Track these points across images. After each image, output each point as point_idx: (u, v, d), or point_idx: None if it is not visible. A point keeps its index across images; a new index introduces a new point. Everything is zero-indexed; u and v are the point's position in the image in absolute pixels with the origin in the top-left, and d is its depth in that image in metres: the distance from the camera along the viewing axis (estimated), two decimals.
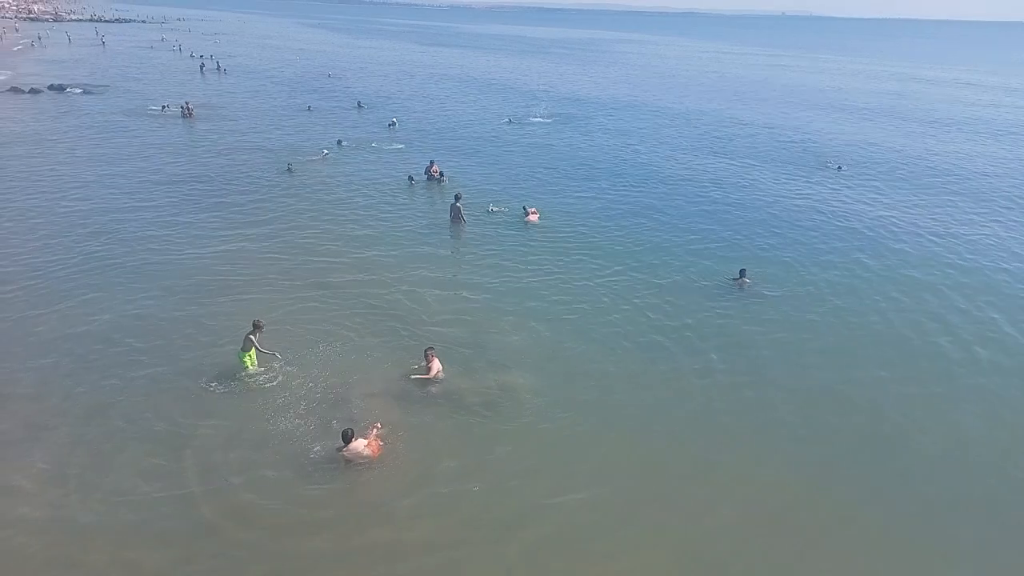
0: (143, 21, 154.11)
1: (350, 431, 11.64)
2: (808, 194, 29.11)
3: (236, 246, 20.98)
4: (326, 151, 33.20)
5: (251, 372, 14.07)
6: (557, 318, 16.96)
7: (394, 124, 41.60)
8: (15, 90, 49.46)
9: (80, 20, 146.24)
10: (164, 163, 30.94)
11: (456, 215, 23.74)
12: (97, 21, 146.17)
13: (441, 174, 29.44)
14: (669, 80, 76.38)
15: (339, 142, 35.62)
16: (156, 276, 18.70)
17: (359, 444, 11.68)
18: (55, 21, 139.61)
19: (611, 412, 13.34)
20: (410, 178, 29.04)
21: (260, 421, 12.71)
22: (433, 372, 14.07)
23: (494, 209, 24.93)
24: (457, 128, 42.57)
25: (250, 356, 14.14)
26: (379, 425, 12.22)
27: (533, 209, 24.43)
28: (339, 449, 11.62)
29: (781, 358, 15.48)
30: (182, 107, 43.44)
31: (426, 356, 14.23)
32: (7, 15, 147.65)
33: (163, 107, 44.08)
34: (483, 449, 12.19)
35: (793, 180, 31.43)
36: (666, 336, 16.24)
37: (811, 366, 15.23)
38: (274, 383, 13.87)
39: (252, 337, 14.17)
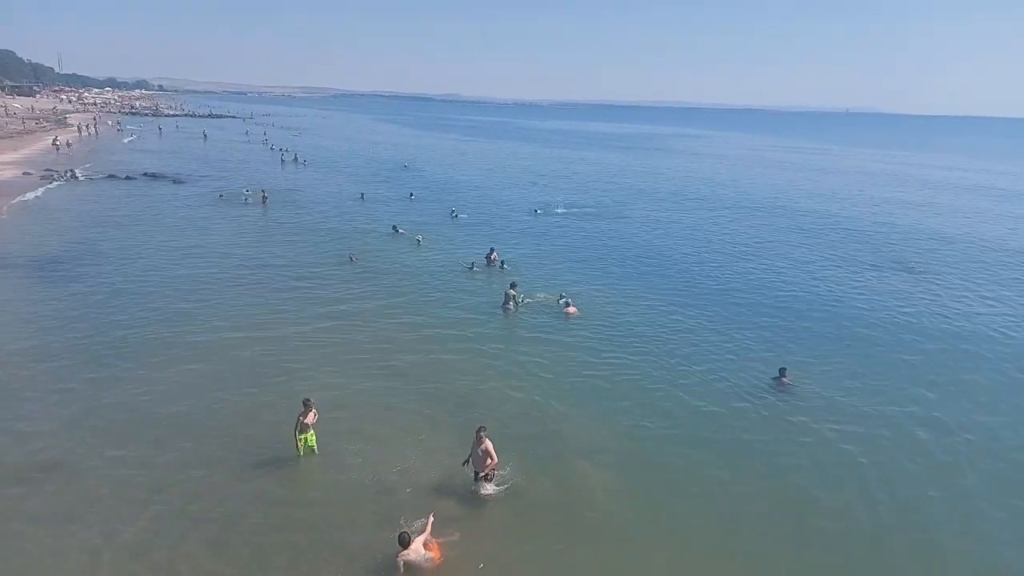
0: (232, 116, 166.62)
1: (406, 535, 11.26)
2: (878, 293, 28.76)
3: (294, 330, 22.04)
4: (419, 238, 34.95)
5: (309, 456, 14.41)
6: (610, 414, 17.08)
7: (455, 213, 43.66)
8: (112, 177, 54.12)
9: (176, 115, 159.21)
10: (235, 247, 33.03)
11: (506, 301, 24.65)
12: (189, 116, 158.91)
13: (502, 263, 30.58)
14: (719, 172, 77.34)
15: (394, 228, 37.47)
16: (220, 356, 19.81)
17: (418, 546, 11.37)
18: (154, 116, 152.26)
19: (669, 521, 13.23)
20: (472, 265, 30.22)
21: (313, 513, 12.86)
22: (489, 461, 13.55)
23: (526, 300, 25.17)
24: (514, 216, 44.15)
25: (309, 437, 14.52)
26: (433, 519, 11.99)
27: (569, 302, 24.60)
28: (397, 554, 11.26)
29: (814, 470, 15.30)
30: (245, 193, 47.28)
31: (478, 437, 13.62)
32: (112, 110, 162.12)
33: (245, 197, 47.29)
34: (543, 546, 12.22)
35: (857, 278, 31.24)
36: (707, 441, 16.22)
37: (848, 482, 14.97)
38: (331, 469, 14.20)
39: (300, 418, 14.56)
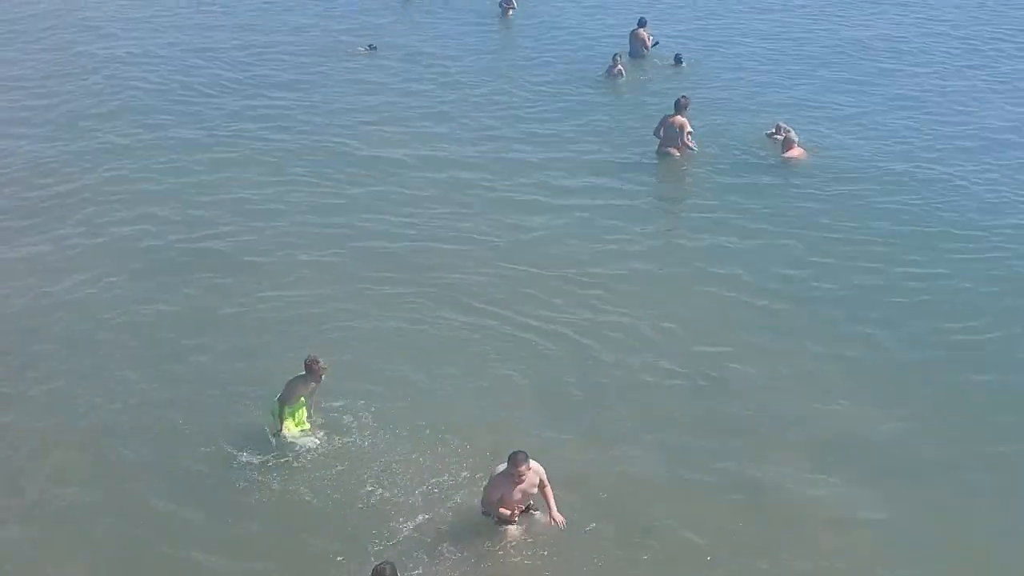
0: None
1: (387, 567, 6.11)
2: None
3: (258, 207, 12.87)
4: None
5: (293, 439, 8.02)
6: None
7: None
8: None
9: None
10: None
11: (669, 137, 14.17)
12: None
13: (677, 58, 18.57)
14: None
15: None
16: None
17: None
18: None
19: None
20: (615, 57, 18.18)
21: (298, 540, 6.97)
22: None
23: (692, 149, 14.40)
24: None
25: (295, 415, 8.10)
26: None
27: (790, 134, 14.13)
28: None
29: None
30: None
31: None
32: None
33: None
34: None
35: None
36: None
37: None
38: (328, 461, 7.81)
39: (300, 386, 7.98)
